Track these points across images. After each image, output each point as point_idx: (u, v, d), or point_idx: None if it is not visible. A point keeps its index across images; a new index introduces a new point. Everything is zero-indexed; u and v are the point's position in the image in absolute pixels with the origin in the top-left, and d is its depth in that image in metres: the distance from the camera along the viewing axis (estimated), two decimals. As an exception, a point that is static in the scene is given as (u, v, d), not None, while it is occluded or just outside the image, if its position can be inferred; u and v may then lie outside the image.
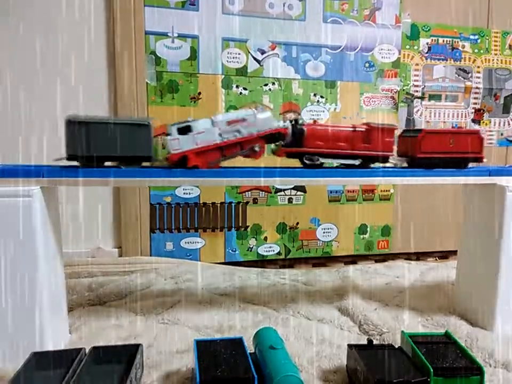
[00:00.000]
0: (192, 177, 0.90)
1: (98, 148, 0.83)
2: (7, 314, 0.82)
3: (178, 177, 0.90)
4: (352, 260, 1.65)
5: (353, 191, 1.61)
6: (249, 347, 0.84)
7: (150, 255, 1.46)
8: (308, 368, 0.86)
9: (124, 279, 1.30)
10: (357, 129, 0.96)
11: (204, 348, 0.78)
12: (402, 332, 0.84)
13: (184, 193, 1.47)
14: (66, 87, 1.35)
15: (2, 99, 1.32)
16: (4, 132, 1.32)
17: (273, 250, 1.57)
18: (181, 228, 1.48)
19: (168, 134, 0.89)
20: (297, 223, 1.57)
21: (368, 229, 1.65)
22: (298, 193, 1.56)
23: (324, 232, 1.60)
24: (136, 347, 0.78)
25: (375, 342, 0.86)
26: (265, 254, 1.56)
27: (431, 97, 1.66)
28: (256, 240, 1.55)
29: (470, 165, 1.04)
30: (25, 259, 0.81)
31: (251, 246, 1.54)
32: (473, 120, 1.72)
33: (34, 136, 1.32)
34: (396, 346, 0.83)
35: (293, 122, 0.95)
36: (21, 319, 0.83)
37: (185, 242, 1.49)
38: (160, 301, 1.17)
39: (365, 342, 0.83)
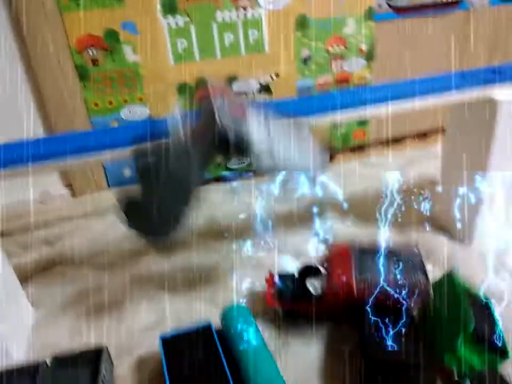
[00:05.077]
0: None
1: None
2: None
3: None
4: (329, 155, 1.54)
5: (325, 84, 1.42)
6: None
7: (108, 187, 1.33)
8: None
9: (84, 224, 1.20)
10: None
11: (172, 349, 0.73)
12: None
13: (130, 113, 1.27)
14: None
15: None
16: None
17: (243, 162, 1.44)
18: (136, 151, 1.32)
19: None
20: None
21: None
22: (262, 93, 1.37)
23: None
24: (100, 352, 0.73)
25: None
26: (235, 166, 1.44)
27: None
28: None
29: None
30: None
31: (218, 161, 1.41)
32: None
33: None
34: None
35: None
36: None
37: (144, 166, 1.35)
38: (125, 249, 1.09)
39: None
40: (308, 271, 0.84)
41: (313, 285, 0.81)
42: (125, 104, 1.23)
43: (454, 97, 0.89)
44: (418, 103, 0.88)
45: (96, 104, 1.21)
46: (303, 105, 0.83)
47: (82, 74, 1.18)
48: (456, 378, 0.68)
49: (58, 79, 1.15)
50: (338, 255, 0.83)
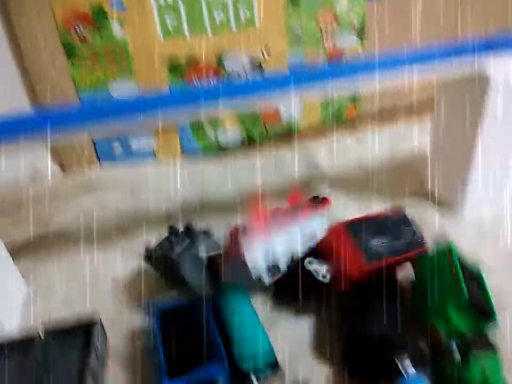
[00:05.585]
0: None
1: None
2: None
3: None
4: (319, 133, 1.54)
5: (317, 61, 1.41)
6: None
7: (99, 164, 1.33)
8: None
9: (75, 201, 1.20)
10: None
11: (164, 320, 0.74)
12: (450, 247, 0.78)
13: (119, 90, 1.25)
14: None
15: None
16: None
17: (235, 137, 1.44)
18: (127, 129, 1.32)
19: None
20: (257, 103, 1.41)
21: (335, 96, 1.50)
22: (254, 70, 1.36)
23: (287, 109, 1.46)
24: (93, 324, 0.74)
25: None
26: (226, 142, 1.44)
27: None
28: (214, 129, 1.41)
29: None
30: None
31: (210, 137, 1.41)
32: None
33: None
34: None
35: None
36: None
37: (135, 142, 1.35)
38: (117, 225, 1.10)
39: None
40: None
41: (318, 271, 0.78)
42: (114, 81, 1.22)
43: (444, 71, 0.88)
44: (407, 76, 0.87)
45: (84, 82, 1.20)
46: (294, 79, 0.82)
47: (70, 52, 1.16)
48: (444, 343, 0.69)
49: (46, 57, 1.14)
50: (336, 237, 0.79)
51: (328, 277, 0.76)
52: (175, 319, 0.75)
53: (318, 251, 0.80)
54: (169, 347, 0.69)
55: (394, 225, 0.77)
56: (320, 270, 0.77)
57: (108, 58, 1.19)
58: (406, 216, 0.79)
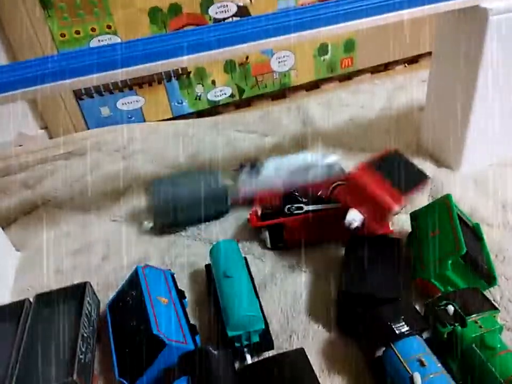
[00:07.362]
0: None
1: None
2: None
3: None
4: (314, 85, 1.48)
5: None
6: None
7: (87, 128, 1.28)
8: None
9: (63, 165, 1.16)
10: None
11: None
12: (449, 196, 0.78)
13: (100, 43, 1.18)
14: None
15: None
16: None
17: (225, 94, 1.39)
18: (111, 87, 1.26)
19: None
20: (247, 57, 1.35)
21: (330, 48, 1.43)
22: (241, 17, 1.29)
23: (279, 62, 1.39)
24: (83, 288, 0.72)
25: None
26: (216, 99, 1.39)
27: None
28: (203, 86, 1.35)
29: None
30: None
31: (199, 94, 1.35)
32: None
33: None
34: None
35: None
36: None
37: (123, 103, 1.29)
38: (108, 188, 1.06)
39: None
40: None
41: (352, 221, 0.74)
42: (93, 33, 1.15)
43: (438, 7, 0.81)
44: (403, 15, 0.80)
45: (63, 35, 1.12)
46: (280, 20, 0.75)
47: (46, 2, 1.08)
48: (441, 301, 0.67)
49: (21, 9, 1.06)
50: (368, 175, 0.75)
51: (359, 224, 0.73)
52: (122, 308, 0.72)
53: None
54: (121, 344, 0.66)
55: (397, 163, 0.79)
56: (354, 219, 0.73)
57: (85, 9, 1.11)
58: (401, 155, 0.81)
